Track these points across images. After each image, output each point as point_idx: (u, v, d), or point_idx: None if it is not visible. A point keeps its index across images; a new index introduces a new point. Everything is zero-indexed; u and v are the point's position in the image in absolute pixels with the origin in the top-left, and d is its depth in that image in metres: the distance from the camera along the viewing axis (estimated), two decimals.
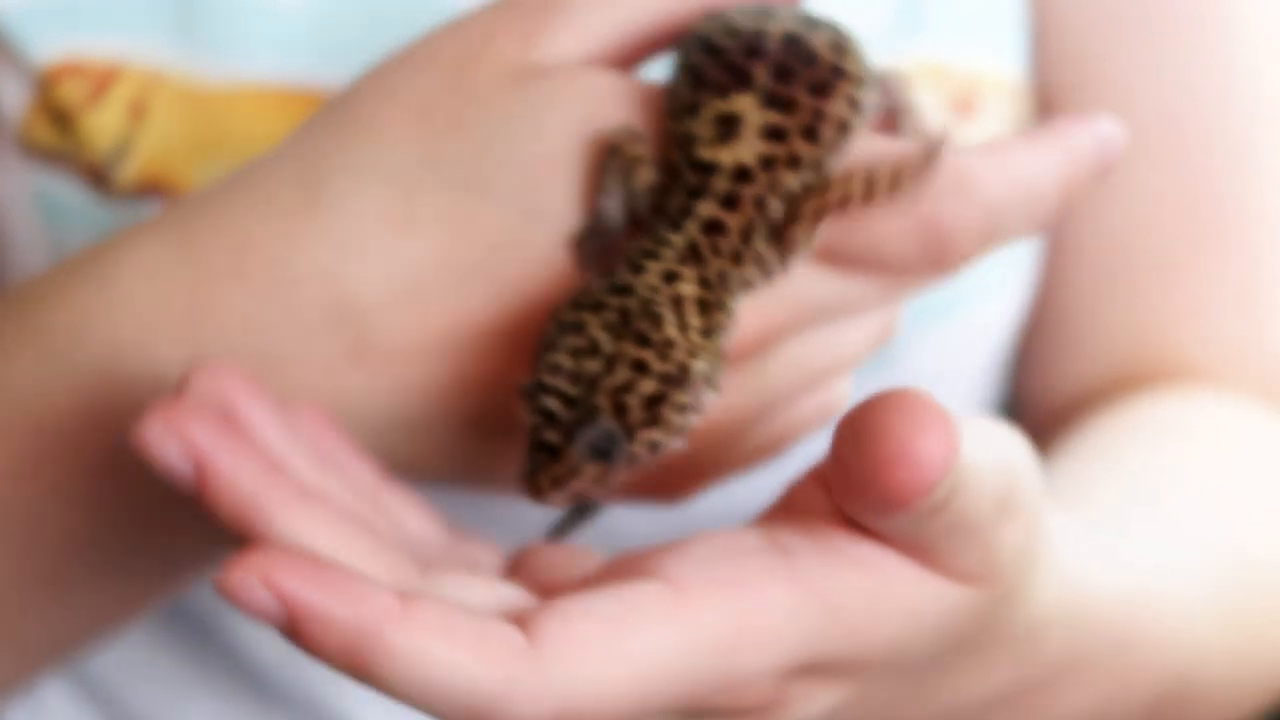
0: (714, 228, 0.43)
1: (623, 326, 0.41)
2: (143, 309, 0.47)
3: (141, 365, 0.47)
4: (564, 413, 0.40)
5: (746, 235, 0.43)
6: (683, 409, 0.40)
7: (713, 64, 0.45)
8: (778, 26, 0.45)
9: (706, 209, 0.43)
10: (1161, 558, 0.52)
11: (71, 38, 0.59)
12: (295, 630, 0.35)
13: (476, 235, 0.45)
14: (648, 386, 0.40)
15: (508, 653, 0.36)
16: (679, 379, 0.40)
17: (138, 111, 0.59)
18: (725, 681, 0.38)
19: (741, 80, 0.44)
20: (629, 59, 0.47)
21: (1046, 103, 0.63)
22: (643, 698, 0.37)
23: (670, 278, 0.42)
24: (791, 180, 0.43)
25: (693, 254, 0.43)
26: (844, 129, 0.44)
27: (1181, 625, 0.52)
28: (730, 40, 0.45)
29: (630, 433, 0.40)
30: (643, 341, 0.40)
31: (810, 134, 0.44)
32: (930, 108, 0.59)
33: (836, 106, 0.44)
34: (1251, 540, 0.57)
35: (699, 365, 0.41)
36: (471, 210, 0.45)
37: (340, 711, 0.64)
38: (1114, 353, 0.63)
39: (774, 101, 0.44)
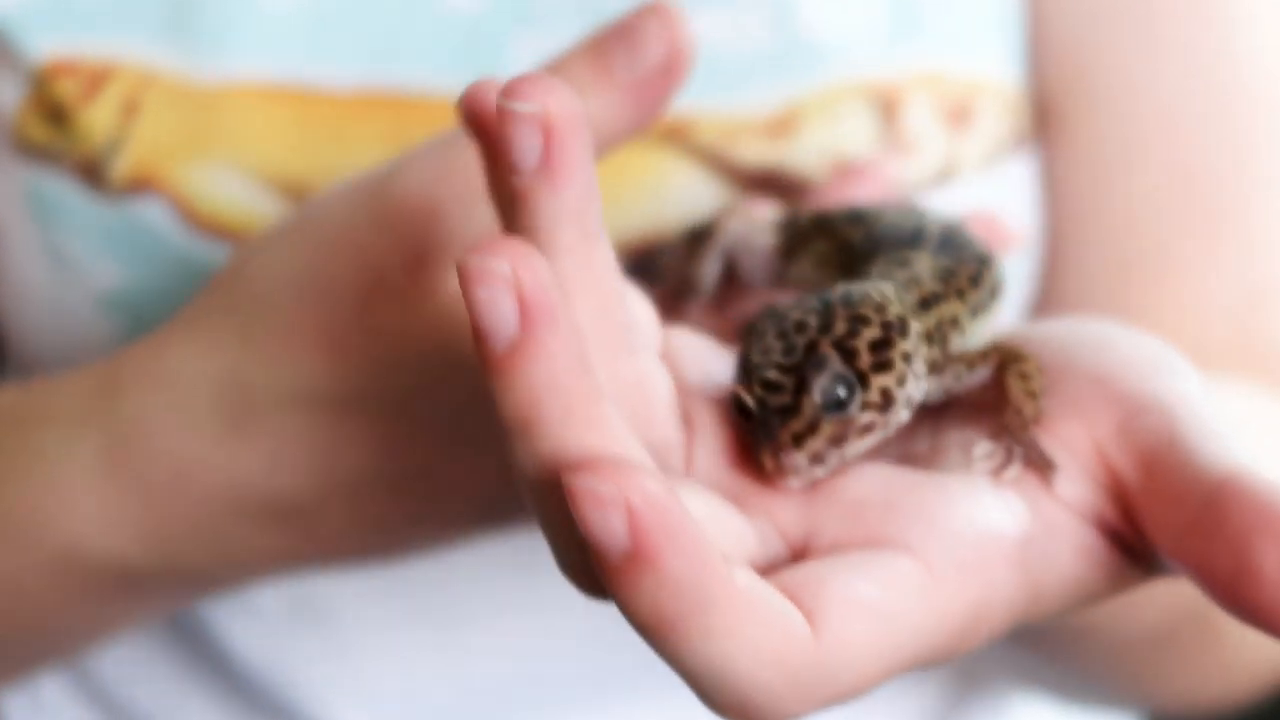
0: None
1: (826, 311, 0.40)
2: (95, 515, 0.50)
3: (106, 555, 0.50)
4: (786, 378, 0.39)
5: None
6: (908, 358, 0.39)
7: None
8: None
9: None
10: None
11: (65, 37, 0.60)
12: (624, 568, 0.32)
13: (409, 457, 0.47)
14: (871, 332, 0.39)
15: (796, 645, 0.34)
16: (901, 327, 0.40)
17: (130, 109, 0.59)
18: (947, 659, 0.37)
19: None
20: None
21: (1043, 107, 0.63)
22: (887, 678, 0.36)
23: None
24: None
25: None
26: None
27: None
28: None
29: (863, 379, 0.39)
30: (853, 305, 0.40)
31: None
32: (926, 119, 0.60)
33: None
34: None
35: (915, 324, 0.40)
36: (403, 434, 0.47)
37: (323, 715, 0.64)
38: None
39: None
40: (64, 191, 0.60)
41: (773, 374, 0.39)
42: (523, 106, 0.36)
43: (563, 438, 0.34)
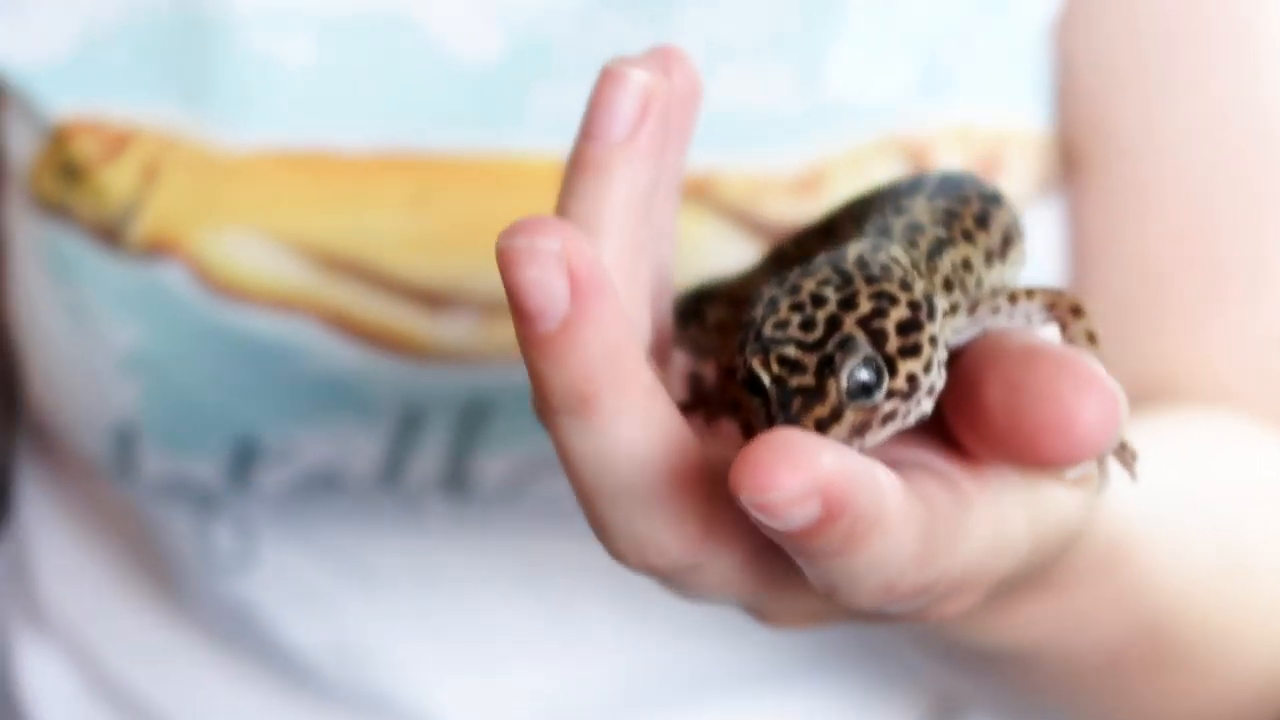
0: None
1: (846, 282, 0.37)
2: None
3: None
4: (808, 358, 0.36)
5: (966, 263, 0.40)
6: (934, 342, 0.37)
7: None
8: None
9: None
10: (1160, 495, 0.51)
11: (88, 97, 0.59)
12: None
13: None
14: (899, 313, 0.36)
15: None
16: (929, 308, 0.37)
17: (150, 173, 0.59)
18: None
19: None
20: None
21: (1067, 153, 0.63)
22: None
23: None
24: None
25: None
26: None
27: (1169, 565, 0.51)
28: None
29: (890, 364, 0.36)
30: (877, 282, 0.37)
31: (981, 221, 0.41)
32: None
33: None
34: (1249, 525, 0.57)
35: (940, 302, 0.38)
36: None
37: (387, 697, 0.64)
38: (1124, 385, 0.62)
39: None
40: (81, 250, 0.60)
41: (792, 351, 0.36)
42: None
43: (619, 408, 0.34)
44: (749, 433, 0.38)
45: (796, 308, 0.37)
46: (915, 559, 0.35)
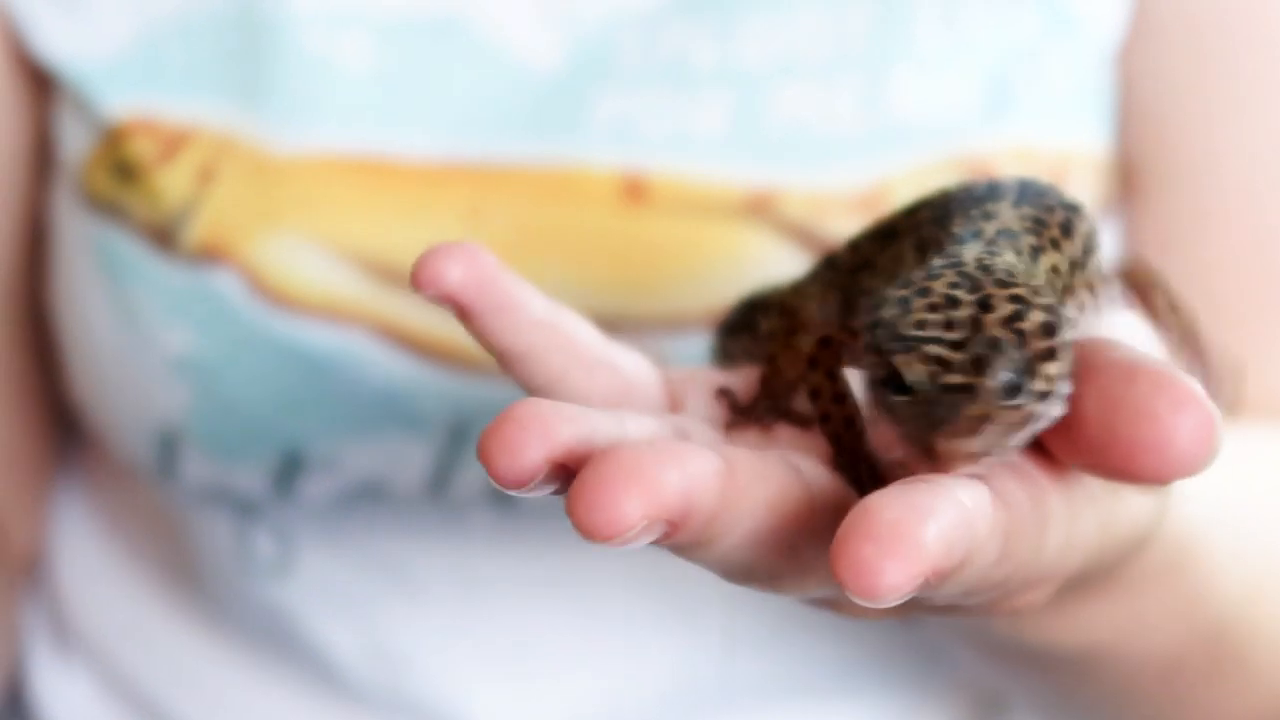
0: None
1: (975, 286, 0.37)
2: None
3: None
4: (956, 356, 0.36)
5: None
6: (1068, 348, 0.37)
7: None
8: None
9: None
10: (1223, 502, 0.51)
11: (146, 96, 0.59)
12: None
13: None
14: (1038, 316, 0.36)
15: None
16: (1060, 313, 0.37)
17: (206, 176, 0.58)
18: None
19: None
20: None
21: (1127, 174, 0.62)
22: None
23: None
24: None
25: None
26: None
27: (1231, 570, 0.51)
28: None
29: (1031, 366, 0.36)
30: (1009, 285, 0.37)
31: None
32: None
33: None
34: None
35: (1070, 311, 0.39)
36: None
37: (424, 704, 0.64)
38: None
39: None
40: (133, 251, 0.59)
41: (939, 350, 0.36)
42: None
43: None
44: (904, 429, 0.37)
45: (933, 308, 0.37)
46: (996, 560, 0.35)
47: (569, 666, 0.63)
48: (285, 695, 0.65)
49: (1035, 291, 0.37)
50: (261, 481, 0.60)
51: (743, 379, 0.44)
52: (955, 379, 0.36)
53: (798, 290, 0.47)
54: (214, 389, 0.58)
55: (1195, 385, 0.35)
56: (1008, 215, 0.41)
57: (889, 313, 0.37)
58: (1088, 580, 0.41)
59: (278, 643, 0.64)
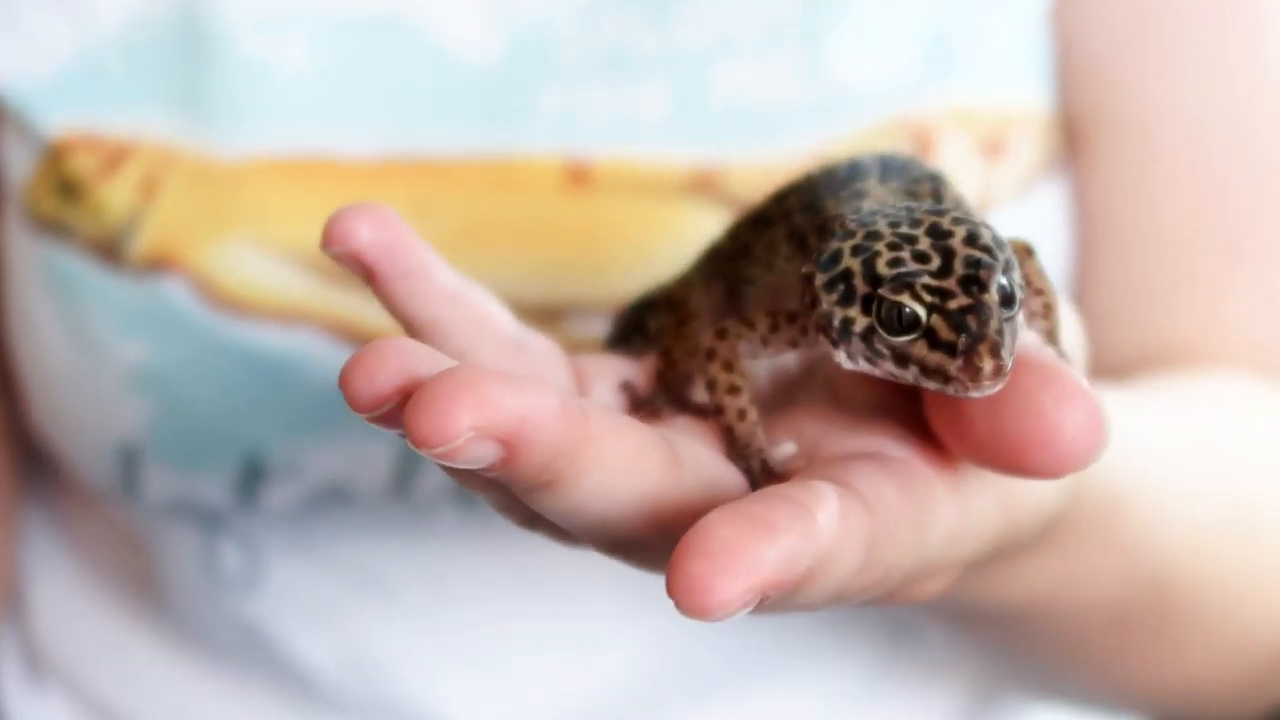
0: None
1: (914, 224, 0.37)
2: None
3: None
4: (948, 283, 0.36)
5: None
6: (1014, 257, 0.37)
7: None
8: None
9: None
10: (1167, 451, 0.51)
11: (85, 112, 0.59)
12: None
13: None
14: (987, 231, 0.37)
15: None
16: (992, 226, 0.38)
17: (150, 187, 0.58)
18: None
19: None
20: None
21: (1071, 131, 0.62)
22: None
23: None
24: None
25: None
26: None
27: (1173, 521, 0.51)
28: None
29: (1009, 273, 0.36)
30: (941, 214, 0.37)
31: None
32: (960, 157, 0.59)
33: None
34: (1260, 485, 0.57)
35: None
36: None
37: (400, 706, 0.64)
38: (1132, 355, 0.62)
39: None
40: (81, 268, 0.59)
41: (931, 280, 0.36)
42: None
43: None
44: (921, 368, 0.36)
45: (894, 247, 0.37)
46: (859, 568, 0.35)
47: (543, 660, 0.63)
48: (262, 709, 0.65)
49: (966, 212, 0.38)
50: (224, 491, 0.60)
51: (647, 371, 0.44)
52: (962, 301, 0.36)
53: (682, 281, 0.48)
54: (171, 400, 0.58)
55: (1080, 377, 0.36)
56: (878, 192, 0.41)
57: (855, 264, 0.37)
58: (1003, 553, 0.41)
59: (251, 656, 0.64)
